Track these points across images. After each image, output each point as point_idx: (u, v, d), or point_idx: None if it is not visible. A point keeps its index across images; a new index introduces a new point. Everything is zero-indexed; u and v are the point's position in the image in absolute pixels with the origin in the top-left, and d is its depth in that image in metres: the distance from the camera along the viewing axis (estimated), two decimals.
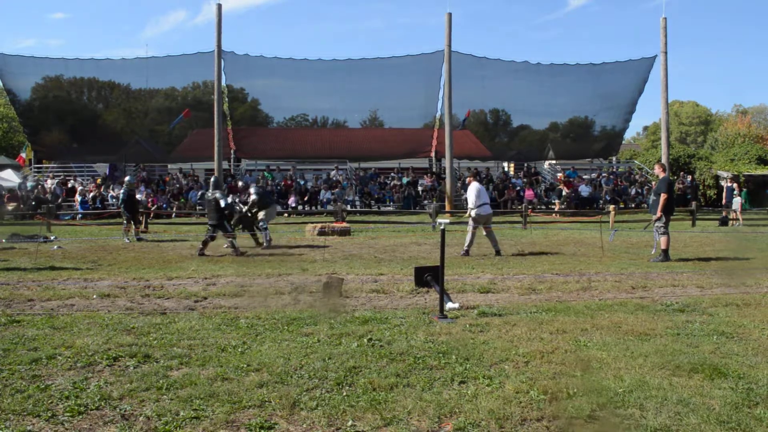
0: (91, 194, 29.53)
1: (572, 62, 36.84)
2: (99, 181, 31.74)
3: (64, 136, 34.53)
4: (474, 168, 20.06)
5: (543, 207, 30.10)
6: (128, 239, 17.36)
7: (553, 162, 38.21)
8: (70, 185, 31.47)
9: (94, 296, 8.79)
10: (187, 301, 8.52)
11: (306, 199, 29.97)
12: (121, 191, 18.30)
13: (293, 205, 29.25)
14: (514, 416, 4.54)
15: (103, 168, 35.08)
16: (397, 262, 12.51)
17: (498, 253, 13.54)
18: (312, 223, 20.43)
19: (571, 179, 32.33)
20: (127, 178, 18.39)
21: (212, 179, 14.73)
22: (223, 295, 8.88)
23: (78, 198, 28.93)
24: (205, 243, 13.85)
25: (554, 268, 11.38)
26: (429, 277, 8.84)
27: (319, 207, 29.62)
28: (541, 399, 4.82)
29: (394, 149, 35.30)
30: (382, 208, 30.29)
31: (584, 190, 30.91)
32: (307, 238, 18.31)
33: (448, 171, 28.41)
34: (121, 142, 34.66)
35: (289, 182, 31.19)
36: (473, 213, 13.73)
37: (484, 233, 13.85)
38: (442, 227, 7.51)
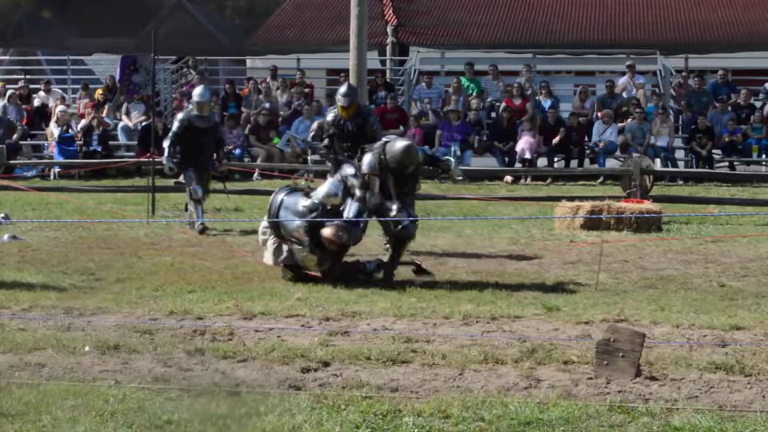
0: (82, 122, 31.40)
1: None
2: (100, 93, 33.71)
3: None
4: None
5: None
6: (194, 222, 18.47)
7: None
8: (36, 102, 33.65)
9: (87, 348, 9.43)
10: (287, 368, 8.92)
11: (557, 142, 29.95)
12: (178, 117, 19.29)
13: (527, 155, 29.36)
14: None
15: (107, 65, 37.21)
16: None
17: None
18: (572, 199, 20.39)
19: None
20: (197, 90, 19.20)
21: None
22: (367, 358, 9.21)
23: (53, 130, 30.89)
24: None
25: None
26: None
27: (586, 163, 29.48)
28: None
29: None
30: (743, 169, 29.59)
31: None
32: (559, 234, 18.66)
33: None
34: (145, 8, 36.55)
35: (515, 102, 31.38)
36: None
37: None
38: None
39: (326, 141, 15.64)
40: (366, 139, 15.21)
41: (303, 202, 13.13)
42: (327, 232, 12.73)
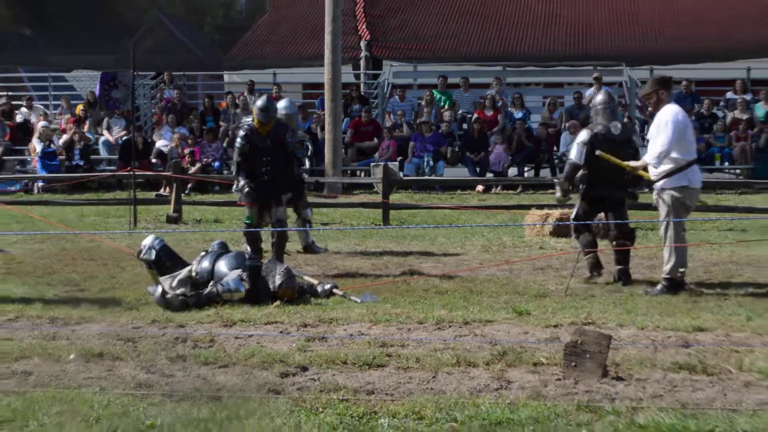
0: (63, 138, 31.43)
1: None
2: (81, 108, 33.72)
3: (5, 12, 36.85)
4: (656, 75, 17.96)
5: None
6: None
7: None
8: (19, 118, 33.67)
9: (72, 356, 9.49)
10: (266, 373, 8.99)
11: (522, 151, 30.04)
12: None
13: (497, 166, 29.47)
14: None
15: (87, 81, 37.23)
16: (737, 301, 12.49)
17: (674, 284, 13.18)
18: (541, 207, 20.52)
19: None
20: (283, 103, 18.53)
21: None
22: (344, 363, 9.28)
23: (36, 145, 30.90)
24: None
25: None
26: None
27: (557, 173, 29.63)
28: None
29: (733, 36, 34.61)
30: (706, 177, 29.75)
31: None
32: (529, 240, 18.83)
33: None
34: (125, 24, 36.47)
35: (486, 114, 31.49)
36: (668, 186, 13.14)
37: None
38: None
39: (242, 184, 15.13)
40: (284, 154, 15.26)
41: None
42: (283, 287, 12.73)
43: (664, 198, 13.15)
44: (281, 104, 18.15)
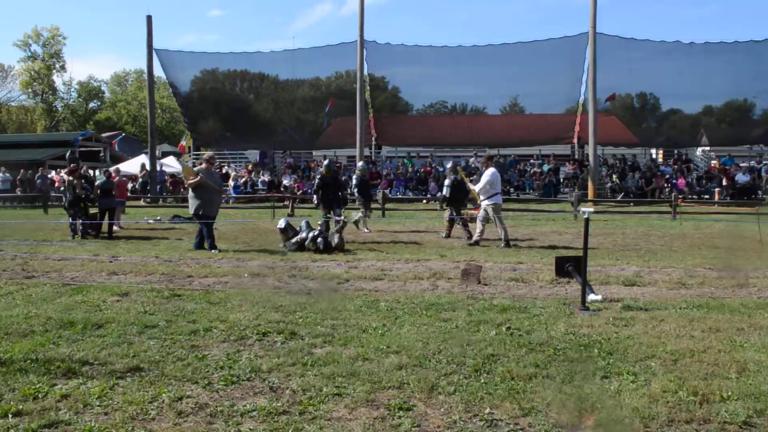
0: (243, 179, 31.43)
1: (730, 40, 33.04)
2: (250, 167, 33.72)
3: (219, 125, 37.05)
4: (486, 153, 18.41)
5: (695, 197, 28.00)
6: (367, 228, 17.11)
7: (707, 148, 35.51)
8: (224, 171, 33.65)
9: (246, 275, 9.43)
10: (331, 282, 8.93)
11: (442, 186, 30.00)
12: (356, 176, 17.08)
13: (433, 192, 29.41)
14: (661, 416, 4.32)
15: (253, 155, 37.26)
16: (537, 251, 12.39)
17: (507, 244, 12.93)
18: None
19: (727, 167, 29.73)
20: (360, 164, 18.17)
21: None
22: (365, 278, 9.21)
23: (231, 183, 30.89)
24: None
25: (707, 263, 10.64)
26: (570, 267, 8.58)
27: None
28: (691, 400, 4.55)
29: (535, 136, 34.53)
30: (522, 196, 29.76)
31: (741, 178, 28.31)
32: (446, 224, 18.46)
33: (591, 158, 27.37)
34: (270, 130, 36.48)
35: (428, 169, 31.42)
36: (487, 202, 13.16)
37: (480, 221, 13.40)
38: (585, 216, 7.31)
39: (316, 200, 14.68)
40: (339, 188, 14.62)
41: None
42: (337, 242, 12.51)
43: (489, 208, 13.22)
44: (360, 164, 18.20)
